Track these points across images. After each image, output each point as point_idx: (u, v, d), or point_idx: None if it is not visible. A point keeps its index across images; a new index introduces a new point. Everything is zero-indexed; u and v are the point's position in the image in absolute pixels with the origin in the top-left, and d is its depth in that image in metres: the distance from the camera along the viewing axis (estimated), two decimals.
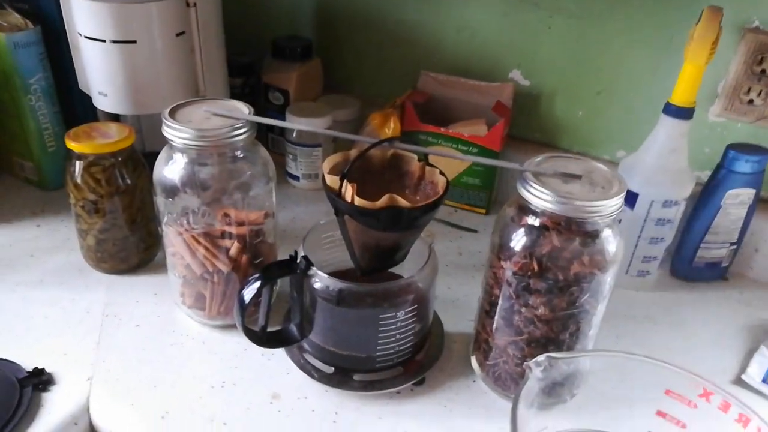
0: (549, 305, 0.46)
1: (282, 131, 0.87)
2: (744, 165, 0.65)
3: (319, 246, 0.58)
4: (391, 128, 0.79)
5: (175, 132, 0.49)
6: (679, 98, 0.61)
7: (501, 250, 0.49)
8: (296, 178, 0.85)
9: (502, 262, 0.48)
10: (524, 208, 0.47)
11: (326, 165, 0.50)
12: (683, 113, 0.61)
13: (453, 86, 0.81)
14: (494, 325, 0.51)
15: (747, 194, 0.67)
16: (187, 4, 0.65)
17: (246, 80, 0.90)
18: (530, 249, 0.46)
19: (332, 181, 0.48)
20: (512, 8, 0.77)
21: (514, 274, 0.47)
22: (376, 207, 0.45)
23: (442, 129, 0.78)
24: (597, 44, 0.74)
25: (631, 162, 0.67)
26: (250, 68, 0.91)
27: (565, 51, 0.76)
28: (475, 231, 0.79)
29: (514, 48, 0.79)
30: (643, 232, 0.66)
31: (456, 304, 0.66)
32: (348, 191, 0.47)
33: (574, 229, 0.45)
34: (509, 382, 0.52)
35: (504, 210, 0.50)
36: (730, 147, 0.66)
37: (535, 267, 0.46)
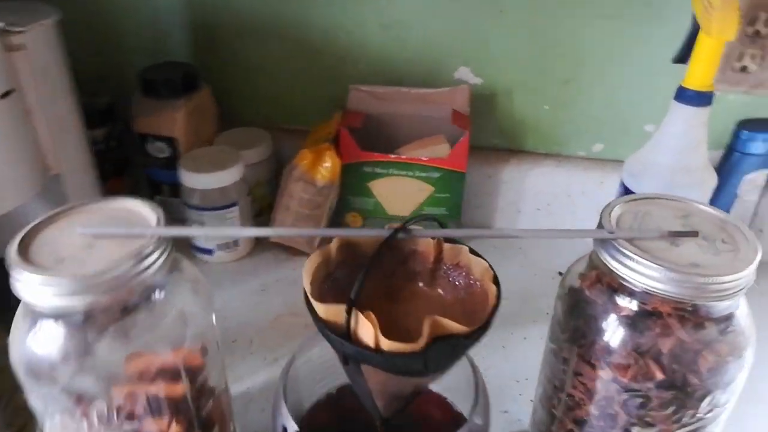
0: (678, 421, 0.32)
1: (174, 191, 0.65)
2: (760, 145, 0.55)
3: (298, 381, 0.40)
4: (329, 167, 0.61)
5: (36, 288, 0.28)
6: (697, 81, 0.49)
7: (585, 347, 0.34)
8: (208, 251, 0.64)
9: (599, 371, 0.33)
10: (614, 286, 0.33)
11: (306, 279, 0.31)
12: (703, 99, 0.50)
13: (394, 99, 0.64)
14: None
15: (762, 177, 0.58)
16: (10, 48, 0.42)
17: (110, 131, 0.67)
18: (637, 346, 0.32)
19: (331, 313, 0.29)
20: None
21: (628, 389, 0.32)
22: (420, 347, 0.28)
23: (392, 155, 0.62)
24: (559, 24, 0.61)
25: (639, 163, 0.54)
26: (111, 113, 0.67)
27: (521, 37, 0.62)
28: None
29: (459, 40, 0.64)
30: None
31: None
32: (365, 329, 0.29)
33: (703, 313, 0.31)
34: None
35: (569, 281, 0.35)
36: (741, 126, 0.56)
37: (657, 374, 0.31)
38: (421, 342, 0.28)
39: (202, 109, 0.67)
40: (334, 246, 0.34)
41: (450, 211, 0.65)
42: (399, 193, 0.64)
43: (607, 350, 0.33)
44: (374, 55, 0.66)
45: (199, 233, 0.33)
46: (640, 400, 0.32)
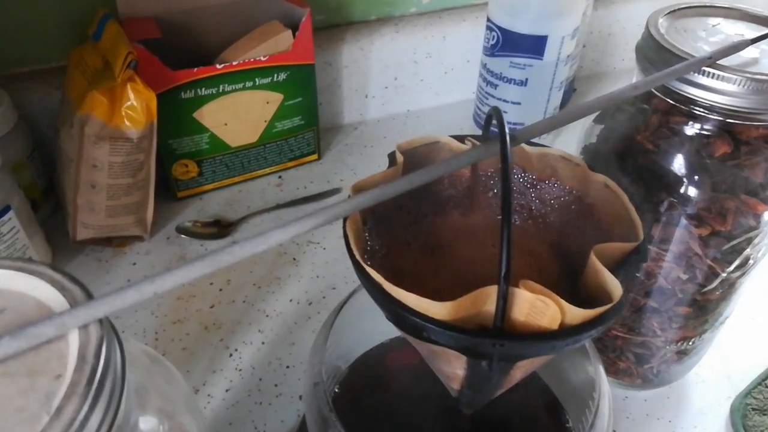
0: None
1: None
2: None
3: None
4: (139, 106, 0.41)
5: None
6: None
7: (661, 211, 0.28)
8: None
9: (696, 230, 0.27)
10: (685, 124, 0.26)
11: (375, 273, 0.18)
12: None
13: None
14: (661, 320, 0.31)
15: None
16: None
17: None
18: (728, 187, 0.27)
19: (463, 307, 0.17)
20: None
21: (730, 238, 0.27)
22: (620, 296, 0.18)
23: (218, 65, 0.44)
24: None
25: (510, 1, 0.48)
26: None
27: None
28: (339, 190, 0.52)
29: None
30: (554, 81, 0.51)
31: None
32: (537, 308, 0.17)
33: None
34: (669, 364, 0.35)
35: (595, 149, 0.28)
36: None
37: (759, 207, 0.27)
38: (615, 290, 0.18)
39: None
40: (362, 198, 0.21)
41: (306, 119, 0.51)
42: (239, 116, 0.48)
43: (696, 203, 0.27)
44: None
45: (170, 283, 0.15)
46: (741, 245, 0.28)
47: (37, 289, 0.15)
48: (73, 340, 0.13)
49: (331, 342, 0.28)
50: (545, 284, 0.18)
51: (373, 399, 0.30)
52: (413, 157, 0.24)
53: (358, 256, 0.19)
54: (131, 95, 0.40)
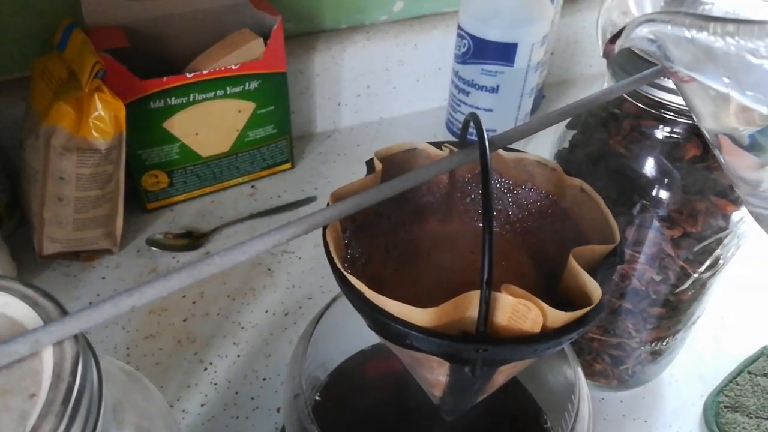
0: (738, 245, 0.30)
1: None
2: None
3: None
4: (107, 116, 0.40)
5: None
6: None
7: (633, 214, 0.28)
8: None
9: (667, 232, 0.28)
10: (654, 127, 0.27)
11: (359, 283, 0.18)
12: None
13: None
14: (635, 321, 0.32)
15: None
16: None
17: None
18: (697, 188, 0.27)
19: (446, 313, 0.17)
20: None
21: (701, 238, 0.28)
22: (599, 296, 0.18)
23: (188, 74, 0.44)
24: None
25: (483, 8, 0.49)
26: None
27: None
28: (313, 199, 0.52)
29: None
30: (525, 87, 0.52)
31: None
32: (520, 312, 0.17)
33: None
34: (642, 366, 0.36)
35: (567, 156, 0.29)
36: None
37: (729, 207, 0.28)
38: (595, 292, 0.18)
39: None
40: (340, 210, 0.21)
41: (278, 127, 0.51)
42: (210, 125, 0.47)
43: (668, 205, 0.28)
44: None
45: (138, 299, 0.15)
46: (711, 245, 0.28)
47: (7, 305, 0.14)
48: (48, 357, 0.13)
49: (310, 353, 0.27)
50: (525, 288, 0.18)
51: (353, 408, 0.30)
52: (391, 164, 0.24)
53: (338, 265, 0.19)
54: (99, 105, 0.39)
